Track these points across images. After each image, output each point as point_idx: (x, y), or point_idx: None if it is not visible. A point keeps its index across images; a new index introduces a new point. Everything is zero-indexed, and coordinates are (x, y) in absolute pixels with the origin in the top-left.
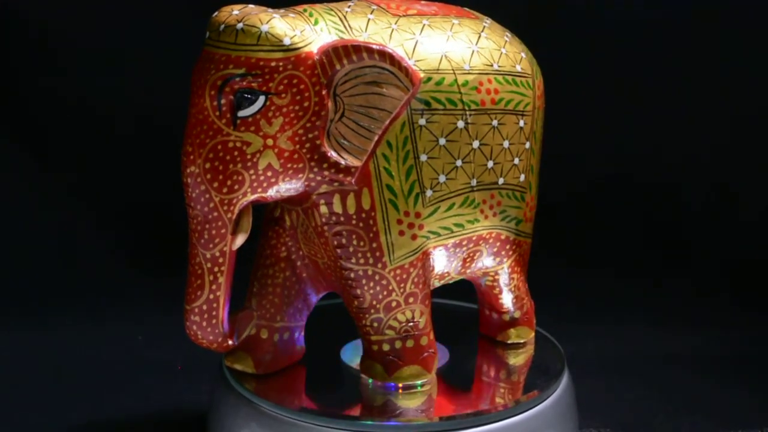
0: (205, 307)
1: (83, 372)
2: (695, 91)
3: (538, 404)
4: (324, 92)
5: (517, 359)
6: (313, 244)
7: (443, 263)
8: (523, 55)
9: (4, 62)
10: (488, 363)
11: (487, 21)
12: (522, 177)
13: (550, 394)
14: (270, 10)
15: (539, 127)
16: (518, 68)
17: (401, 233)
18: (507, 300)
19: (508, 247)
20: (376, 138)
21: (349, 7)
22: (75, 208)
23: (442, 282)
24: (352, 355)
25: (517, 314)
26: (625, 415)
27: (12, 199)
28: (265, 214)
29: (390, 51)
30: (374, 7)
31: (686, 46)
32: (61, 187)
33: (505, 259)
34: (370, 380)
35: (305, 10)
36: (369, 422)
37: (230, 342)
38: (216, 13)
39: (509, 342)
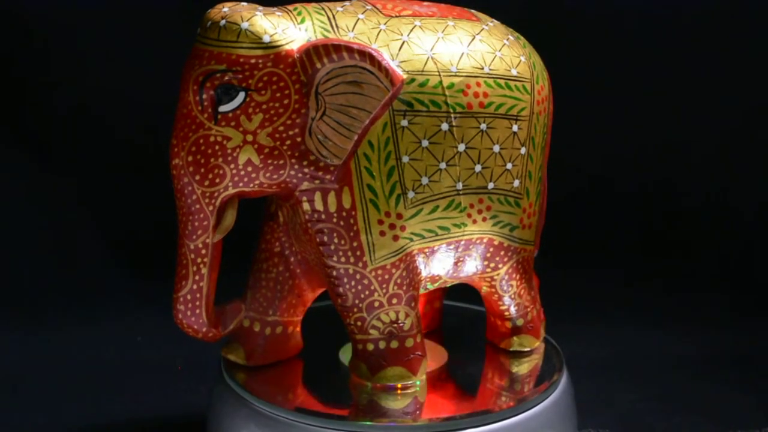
0: (189, 297)
1: (83, 372)
2: (695, 91)
3: (537, 405)
4: (304, 90)
5: (519, 363)
6: (301, 240)
7: (431, 266)
8: (522, 59)
9: (3, 62)
10: (488, 365)
11: (491, 24)
12: (516, 183)
13: (549, 395)
14: (260, 7)
15: (539, 133)
16: (513, 72)
17: (382, 233)
18: (507, 307)
19: (503, 253)
20: (355, 137)
21: (342, 6)
22: (75, 209)
23: (436, 285)
24: (351, 356)
25: (519, 322)
26: (624, 416)
27: (12, 200)
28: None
29: (370, 51)
30: (369, 7)
31: (686, 46)
32: (60, 188)
33: (500, 266)
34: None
35: (296, 9)
36: (367, 423)
37: (215, 332)
38: (210, 10)
39: (512, 350)
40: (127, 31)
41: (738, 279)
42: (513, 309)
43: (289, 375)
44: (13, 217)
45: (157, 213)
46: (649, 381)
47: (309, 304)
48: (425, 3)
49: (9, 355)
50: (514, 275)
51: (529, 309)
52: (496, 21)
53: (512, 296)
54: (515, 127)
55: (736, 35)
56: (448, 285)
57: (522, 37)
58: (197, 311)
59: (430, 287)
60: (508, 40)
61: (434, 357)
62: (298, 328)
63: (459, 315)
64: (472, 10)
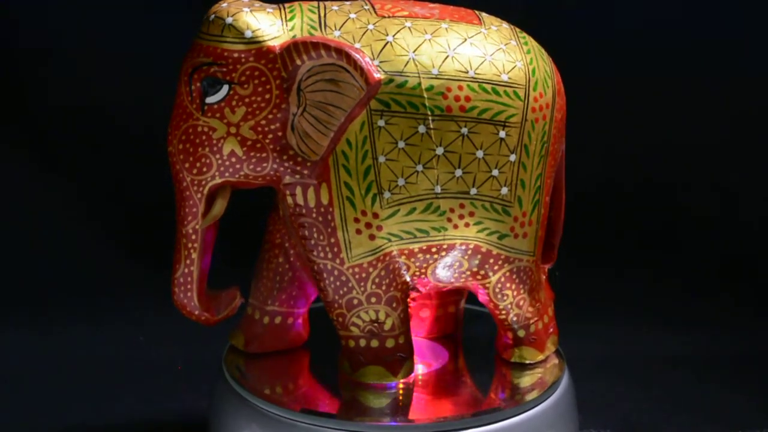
0: (182, 280)
1: (83, 372)
2: (695, 91)
3: (539, 404)
4: (285, 86)
5: (521, 374)
6: (291, 233)
7: (415, 269)
8: (518, 64)
9: (3, 62)
10: (489, 366)
11: (494, 27)
12: (504, 190)
13: (550, 395)
14: (256, 4)
15: (535, 141)
16: (504, 77)
17: (358, 232)
18: (505, 316)
19: (492, 261)
20: (332, 135)
21: (338, 5)
22: (75, 208)
23: (428, 289)
24: None
25: (521, 333)
26: (625, 416)
27: (12, 199)
28: None
29: (347, 49)
30: (366, 6)
31: (686, 46)
32: (60, 187)
33: (490, 274)
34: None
35: (290, 6)
36: (367, 423)
37: (208, 316)
38: (215, 5)
39: (512, 361)
40: (127, 29)
41: (738, 279)
42: (512, 319)
43: (294, 376)
44: (13, 217)
45: (158, 212)
46: (649, 381)
47: (313, 298)
48: (430, 4)
49: (10, 355)
50: (508, 284)
51: (532, 321)
52: (505, 25)
53: (509, 306)
54: (502, 134)
55: (741, 35)
56: (442, 289)
57: (531, 43)
58: (189, 294)
59: (423, 290)
60: (506, 44)
61: (435, 357)
62: (300, 320)
63: (484, 321)
64: (483, 13)
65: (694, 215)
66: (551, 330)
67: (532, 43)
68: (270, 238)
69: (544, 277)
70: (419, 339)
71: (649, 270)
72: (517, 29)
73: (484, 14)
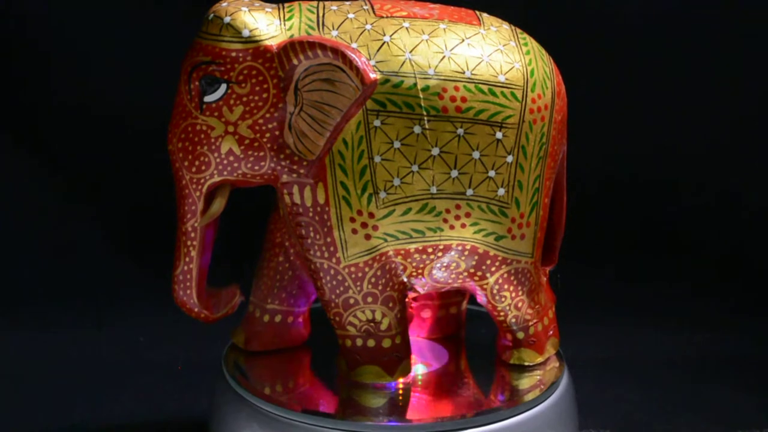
0: (181, 277)
1: (83, 372)
2: (695, 91)
3: (538, 405)
4: (282, 85)
5: (520, 375)
6: (290, 232)
7: (412, 270)
8: (516, 65)
9: (3, 62)
10: (490, 368)
11: (493, 28)
12: (501, 191)
13: (549, 395)
14: (256, 3)
15: (533, 143)
16: (501, 78)
17: (354, 231)
18: (504, 318)
19: (489, 262)
20: (328, 134)
21: (338, 5)
22: (75, 208)
23: (426, 290)
24: None
25: (520, 335)
26: (624, 416)
27: (12, 199)
28: None
29: (343, 49)
30: (365, 7)
31: (687, 46)
32: (61, 187)
33: (488, 275)
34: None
35: (290, 6)
36: (368, 423)
37: (207, 313)
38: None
39: (511, 363)
40: (127, 29)
41: (738, 279)
42: (511, 321)
43: (294, 376)
44: (13, 217)
45: (158, 212)
46: (649, 381)
47: (313, 297)
48: (430, 5)
49: (10, 355)
50: (506, 286)
51: (531, 323)
52: (505, 25)
53: (508, 307)
54: (499, 135)
55: (741, 34)
56: (440, 290)
57: (531, 44)
58: (188, 291)
59: (421, 291)
60: (505, 45)
61: (435, 358)
62: (301, 319)
63: (487, 322)
64: (484, 14)
65: (694, 215)
66: (551, 332)
67: (533, 44)
68: (271, 237)
69: (544, 279)
70: (420, 339)
71: (649, 270)
72: (518, 30)
73: (484, 15)
